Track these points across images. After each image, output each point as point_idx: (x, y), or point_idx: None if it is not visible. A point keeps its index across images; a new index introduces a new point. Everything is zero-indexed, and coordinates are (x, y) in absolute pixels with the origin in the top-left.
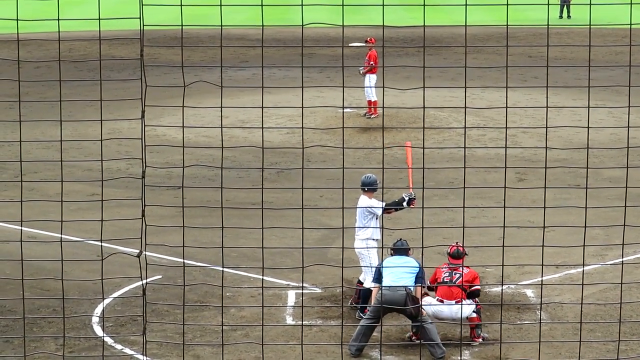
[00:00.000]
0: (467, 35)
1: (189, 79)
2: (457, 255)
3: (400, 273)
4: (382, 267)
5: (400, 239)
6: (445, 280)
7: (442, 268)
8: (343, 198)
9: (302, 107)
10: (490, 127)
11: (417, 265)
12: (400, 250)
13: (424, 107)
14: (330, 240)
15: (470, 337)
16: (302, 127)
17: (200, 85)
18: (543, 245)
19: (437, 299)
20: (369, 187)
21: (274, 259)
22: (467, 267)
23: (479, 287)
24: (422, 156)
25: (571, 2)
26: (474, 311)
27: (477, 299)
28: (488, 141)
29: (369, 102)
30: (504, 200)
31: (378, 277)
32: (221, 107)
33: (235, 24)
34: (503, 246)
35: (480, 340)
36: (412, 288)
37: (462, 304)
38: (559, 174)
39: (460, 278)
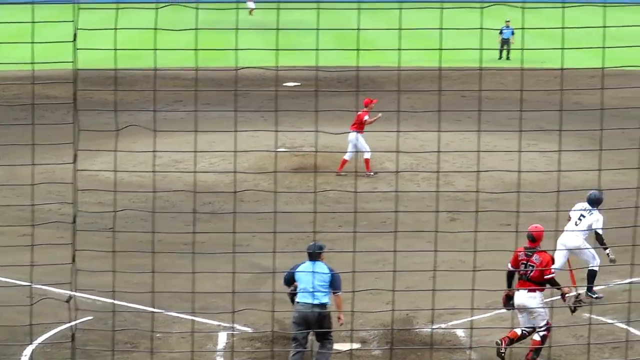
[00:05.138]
0: (402, 75)
1: (124, 117)
2: (532, 239)
3: (315, 285)
4: (296, 272)
5: (315, 242)
6: (520, 271)
7: (519, 254)
8: (275, 239)
9: (235, 152)
10: (422, 171)
11: (328, 272)
12: (312, 255)
13: (356, 151)
14: (262, 280)
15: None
16: (235, 172)
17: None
18: (473, 290)
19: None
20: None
21: (206, 299)
22: (542, 252)
23: (553, 275)
24: (355, 196)
25: (511, 48)
26: (540, 333)
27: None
28: (421, 181)
29: (367, 160)
30: (435, 241)
31: (289, 281)
32: (154, 152)
33: (170, 64)
34: (434, 290)
35: None
36: (328, 301)
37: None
38: (491, 213)
39: (532, 270)
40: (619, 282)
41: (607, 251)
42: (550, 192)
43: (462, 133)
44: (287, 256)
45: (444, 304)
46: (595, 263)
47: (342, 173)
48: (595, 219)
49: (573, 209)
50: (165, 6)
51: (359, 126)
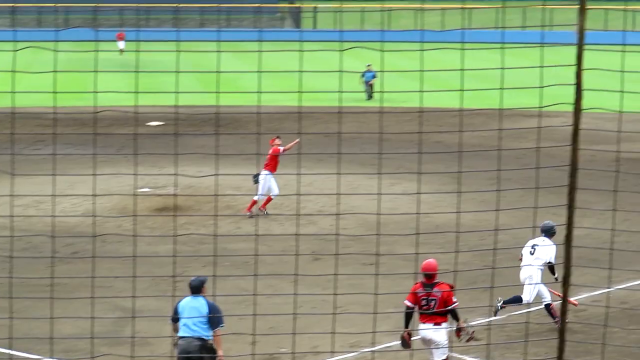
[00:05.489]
0: (266, 115)
1: None
2: (428, 276)
3: (194, 319)
4: (179, 306)
5: (197, 277)
6: (423, 307)
7: (418, 291)
8: (134, 281)
9: (95, 195)
10: (285, 214)
11: (207, 307)
12: (194, 289)
13: (216, 195)
14: (126, 321)
15: None
16: (94, 215)
17: None
18: (334, 333)
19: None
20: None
21: (68, 342)
22: (441, 283)
23: (456, 304)
24: (215, 238)
25: (373, 91)
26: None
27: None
28: (284, 220)
29: (269, 198)
30: (295, 281)
31: (174, 317)
32: (11, 195)
33: (31, 104)
34: (294, 333)
35: None
36: (209, 335)
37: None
38: (354, 252)
39: (436, 304)
40: (480, 320)
41: (558, 279)
42: (410, 235)
43: (325, 172)
44: (149, 298)
45: (308, 343)
46: (526, 297)
47: (258, 212)
48: (550, 248)
49: (525, 245)
50: (25, 48)
51: (273, 165)
